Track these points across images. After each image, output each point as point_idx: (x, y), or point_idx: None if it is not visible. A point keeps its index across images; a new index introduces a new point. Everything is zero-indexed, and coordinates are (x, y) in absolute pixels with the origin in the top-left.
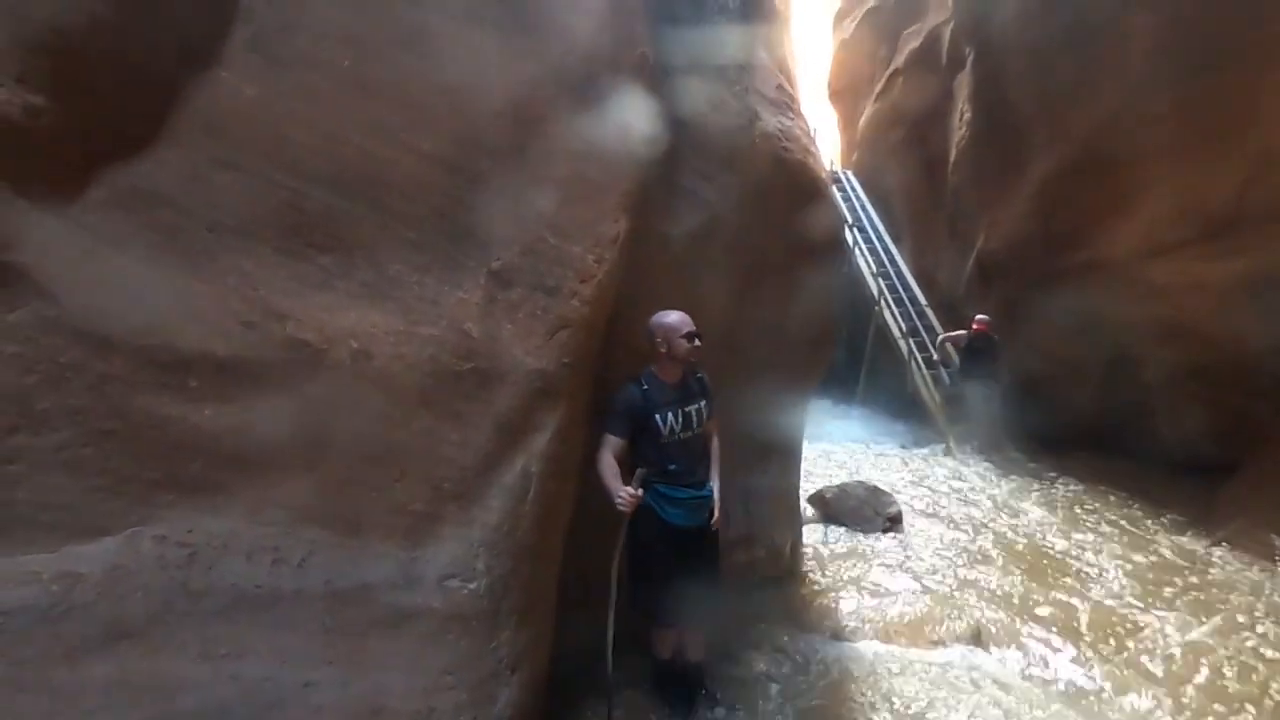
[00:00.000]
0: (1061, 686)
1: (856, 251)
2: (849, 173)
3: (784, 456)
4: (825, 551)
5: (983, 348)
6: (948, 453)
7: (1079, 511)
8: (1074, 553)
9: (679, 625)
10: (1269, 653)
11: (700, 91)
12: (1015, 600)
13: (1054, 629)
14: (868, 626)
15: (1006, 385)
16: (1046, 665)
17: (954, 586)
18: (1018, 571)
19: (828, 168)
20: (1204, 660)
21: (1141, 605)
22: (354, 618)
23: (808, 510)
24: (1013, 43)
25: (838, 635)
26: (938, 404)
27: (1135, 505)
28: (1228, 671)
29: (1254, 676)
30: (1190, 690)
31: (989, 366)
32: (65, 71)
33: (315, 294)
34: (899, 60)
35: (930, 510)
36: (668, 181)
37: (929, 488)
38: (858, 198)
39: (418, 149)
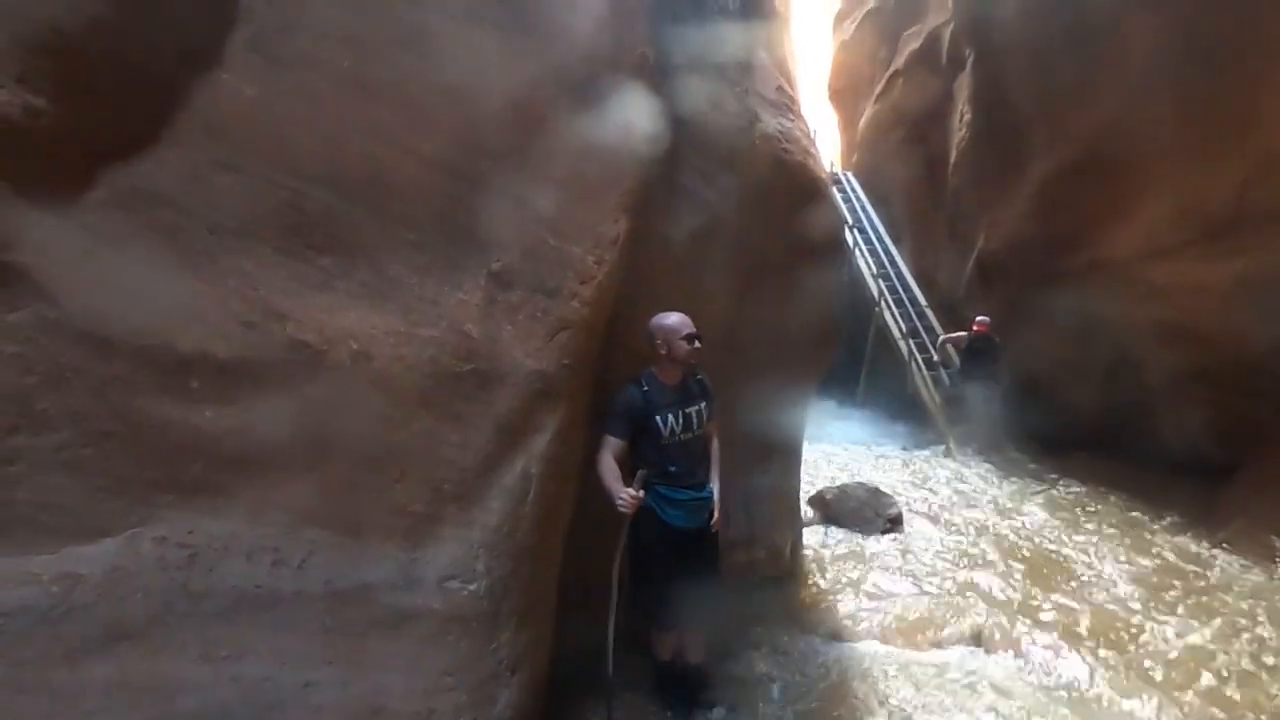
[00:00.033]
0: (1062, 689)
1: (857, 252)
2: (849, 174)
3: (784, 457)
4: (825, 553)
5: (983, 349)
6: (948, 454)
7: (1080, 513)
8: (1075, 555)
9: (679, 626)
10: (1270, 659)
11: (700, 92)
12: (1016, 602)
13: (1054, 632)
14: (868, 628)
15: (1007, 386)
16: (1047, 668)
17: (954, 588)
18: (1018, 573)
19: (828, 169)
20: (1205, 664)
21: (1142, 608)
22: (354, 619)
23: (808, 511)
24: (1013, 44)
25: (838, 636)
26: (938, 405)
27: (1136, 507)
28: (1229, 676)
29: (1255, 681)
30: (1190, 695)
31: (989, 368)
32: (66, 72)
33: (315, 295)
34: (899, 61)
35: (931, 512)
36: (668, 183)
37: (929, 489)
38: (858, 199)
39: (418, 150)
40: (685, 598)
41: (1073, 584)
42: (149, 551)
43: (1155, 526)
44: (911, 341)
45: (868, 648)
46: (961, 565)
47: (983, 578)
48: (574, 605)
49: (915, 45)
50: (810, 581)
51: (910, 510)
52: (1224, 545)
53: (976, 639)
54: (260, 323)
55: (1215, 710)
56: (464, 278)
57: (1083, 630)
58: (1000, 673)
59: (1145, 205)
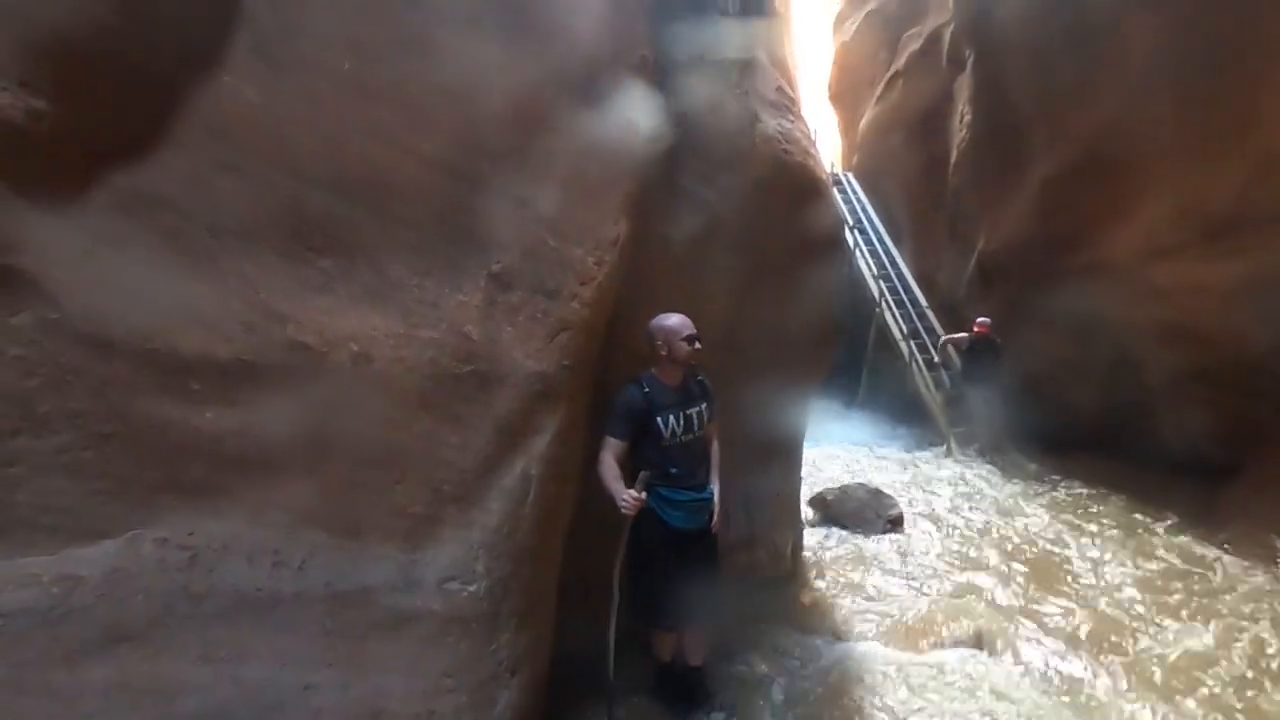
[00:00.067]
0: (1062, 693)
1: (857, 253)
2: (850, 175)
3: (785, 458)
4: (826, 554)
5: (984, 350)
6: (949, 455)
7: (1080, 514)
8: (1076, 557)
9: (680, 628)
10: (1272, 665)
11: (701, 93)
12: (1016, 604)
13: (1055, 633)
14: (868, 629)
15: (1008, 387)
16: (1047, 671)
17: (955, 590)
18: (1019, 575)
19: (828, 170)
20: (1206, 669)
21: (1143, 610)
22: (354, 620)
23: (809, 512)
24: (1013, 44)
25: (838, 637)
26: (939, 406)
27: (1137, 508)
28: (1230, 681)
29: (1256, 686)
30: (1191, 701)
31: (991, 369)
32: (67, 75)
33: (316, 297)
34: (899, 62)
35: (931, 513)
36: (668, 184)
37: (931, 490)
38: (858, 200)
39: (418, 152)
40: (686, 599)
41: (1073, 586)
42: (149, 553)
43: (1156, 528)
44: (912, 342)
45: (868, 649)
46: (962, 567)
47: (983, 579)
48: (574, 606)
49: (915, 46)
50: (811, 582)
51: (911, 511)
52: (1225, 546)
53: (977, 641)
54: (261, 324)
55: (1217, 716)
56: (464, 279)
57: (1083, 633)
58: (1000, 675)
59: (1145, 205)
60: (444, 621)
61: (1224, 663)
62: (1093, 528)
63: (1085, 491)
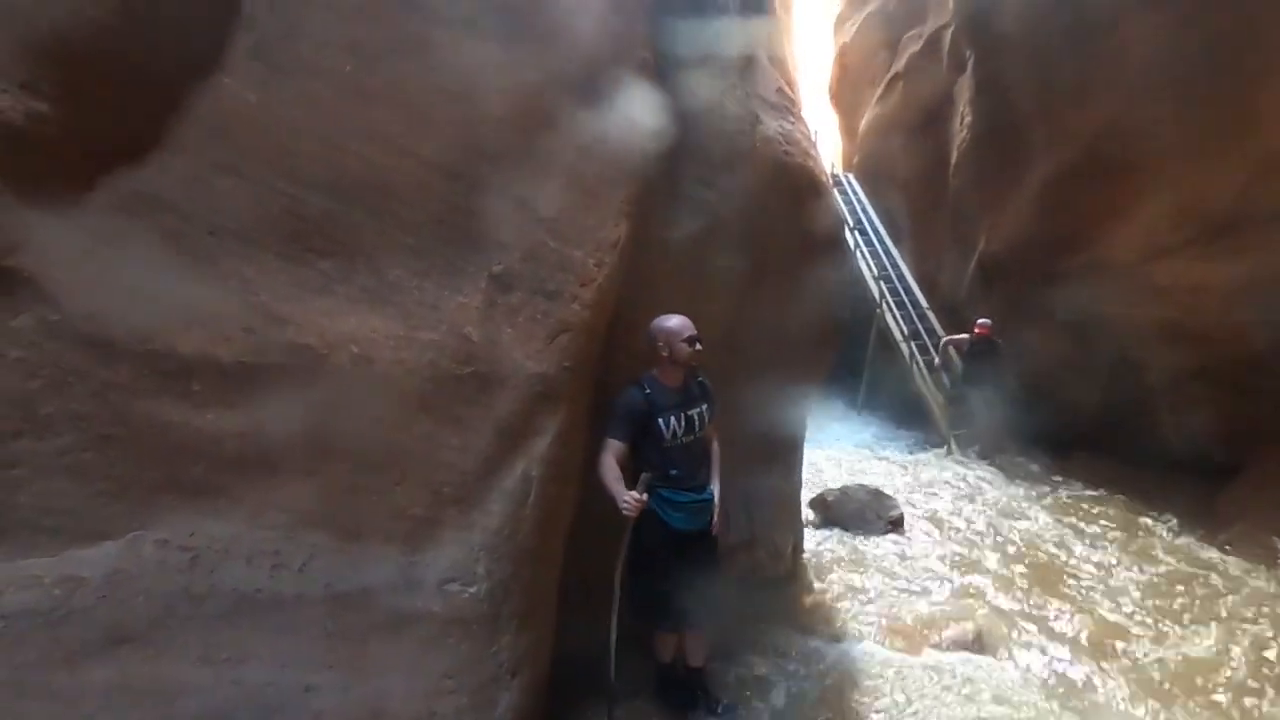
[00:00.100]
0: (1061, 695)
1: (858, 255)
2: (850, 176)
3: (786, 459)
4: (826, 555)
5: (985, 351)
6: (950, 456)
7: (1081, 515)
8: (1076, 557)
9: (680, 629)
10: (1273, 671)
11: (701, 94)
12: (1016, 605)
13: (1055, 637)
14: (868, 630)
15: (1009, 388)
16: (1046, 673)
17: (955, 592)
18: (1019, 577)
19: (829, 171)
20: (1207, 671)
21: (1144, 611)
22: (354, 622)
23: (809, 513)
24: (1013, 45)
25: (838, 638)
26: (940, 407)
27: (1137, 508)
28: (1231, 684)
29: (1257, 690)
30: (1192, 704)
31: (991, 370)
32: (69, 77)
33: (316, 299)
34: (900, 63)
35: (932, 514)
36: (668, 185)
37: (931, 491)
38: (859, 201)
39: (418, 154)
40: (686, 600)
41: (1074, 589)
42: (150, 554)
43: (1157, 529)
44: (913, 343)
45: (868, 651)
46: (962, 568)
47: (984, 581)
48: (575, 608)
49: (916, 47)
50: (811, 584)
51: (912, 512)
52: (1226, 548)
53: (977, 644)
54: (261, 326)
55: (1216, 718)
56: (464, 281)
57: (1083, 635)
58: (1000, 677)
59: (1146, 205)
60: (444, 623)
61: (1225, 668)
62: (1093, 530)
63: (1086, 492)
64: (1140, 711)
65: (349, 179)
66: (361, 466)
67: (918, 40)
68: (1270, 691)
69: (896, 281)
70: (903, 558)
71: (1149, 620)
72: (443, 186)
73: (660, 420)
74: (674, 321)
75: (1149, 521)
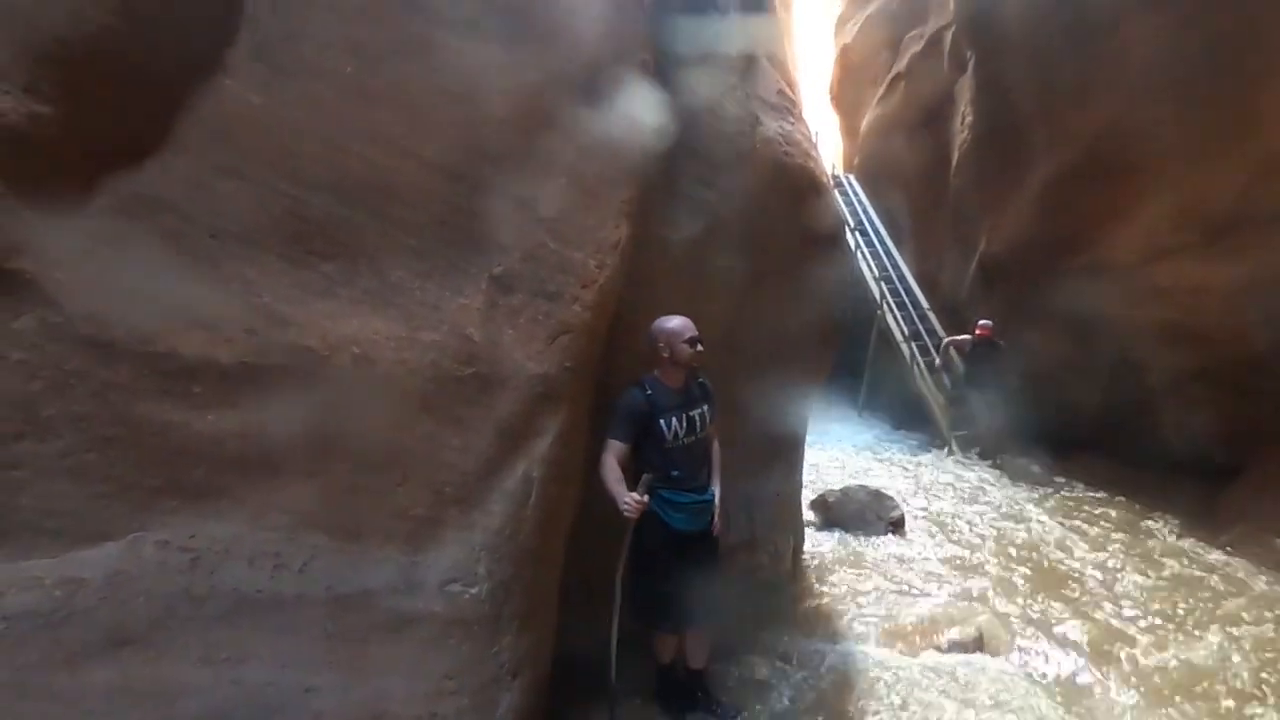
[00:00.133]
0: (1062, 694)
1: (858, 255)
2: (851, 176)
3: (786, 460)
4: (827, 556)
5: (986, 353)
6: (951, 456)
7: (1082, 516)
8: (1076, 558)
9: (681, 630)
10: (1274, 676)
11: (701, 94)
12: (1017, 606)
13: (1056, 639)
14: (869, 631)
15: (1010, 389)
16: (1047, 673)
17: (956, 592)
18: (1020, 578)
19: (829, 172)
20: (1209, 674)
21: (1145, 613)
22: (355, 623)
23: (810, 514)
24: (1014, 45)
25: (839, 640)
26: (941, 408)
27: (1138, 509)
28: (1233, 686)
29: (1258, 694)
30: (1193, 706)
31: (992, 371)
32: (71, 79)
33: (318, 301)
34: (901, 64)
35: (933, 515)
36: (669, 186)
37: (932, 492)
38: (860, 202)
39: (419, 156)
40: (687, 601)
41: (1075, 591)
42: (151, 555)
43: (1158, 530)
44: (914, 344)
45: (868, 652)
46: (963, 570)
47: (984, 582)
48: (576, 608)
49: (917, 48)
50: (811, 585)
51: (912, 513)
52: (1227, 549)
53: (978, 645)
54: (263, 328)
55: None
56: (465, 282)
57: (1084, 636)
58: (1000, 679)
59: (1146, 206)
60: (445, 624)
61: (1225, 673)
62: (1094, 531)
63: (1087, 494)
64: (1141, 712)
65: (351, 180)
66: (363, 467)
67: (919, 41)
68: (1272, 699)
69: (897, 282)
70: (903, 559)
71: (1149, 619)
72: (444, 188)
73: (661, 421)
74: (675, 322)
75: (1150, 523)
